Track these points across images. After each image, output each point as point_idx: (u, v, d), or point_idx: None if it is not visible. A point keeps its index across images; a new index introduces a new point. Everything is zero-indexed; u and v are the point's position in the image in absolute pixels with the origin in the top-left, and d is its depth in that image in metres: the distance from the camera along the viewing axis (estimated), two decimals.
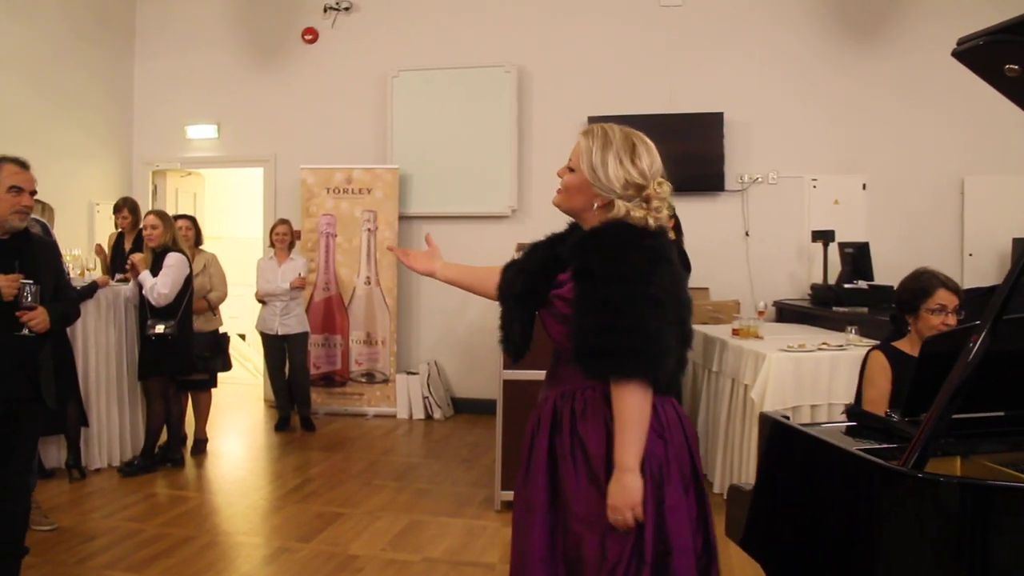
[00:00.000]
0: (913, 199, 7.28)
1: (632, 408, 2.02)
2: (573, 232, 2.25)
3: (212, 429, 6.79)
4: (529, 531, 2.19)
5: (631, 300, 1.99)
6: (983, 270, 7.22)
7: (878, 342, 3.55)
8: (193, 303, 5.91)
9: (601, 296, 2.01)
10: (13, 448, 3.45)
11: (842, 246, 6.86)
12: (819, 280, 7.02)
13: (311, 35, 8.36)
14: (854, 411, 2.56)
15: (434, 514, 4.95)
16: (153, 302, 5.55)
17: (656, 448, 2.09)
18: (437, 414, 7.63)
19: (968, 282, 6.89)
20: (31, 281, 3.41)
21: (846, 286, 6.52)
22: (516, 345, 2.29)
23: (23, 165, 3.48)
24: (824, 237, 6.98)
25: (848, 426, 2.50)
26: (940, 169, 7.26)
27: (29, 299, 3.39)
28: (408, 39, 8.10)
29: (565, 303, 2.12)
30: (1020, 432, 2.40)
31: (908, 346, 3.24)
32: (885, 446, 2.24)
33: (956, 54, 2.11)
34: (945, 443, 2.28)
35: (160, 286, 5.51)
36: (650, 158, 2.15)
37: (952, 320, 3.11)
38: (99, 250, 6.77)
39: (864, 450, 2.14)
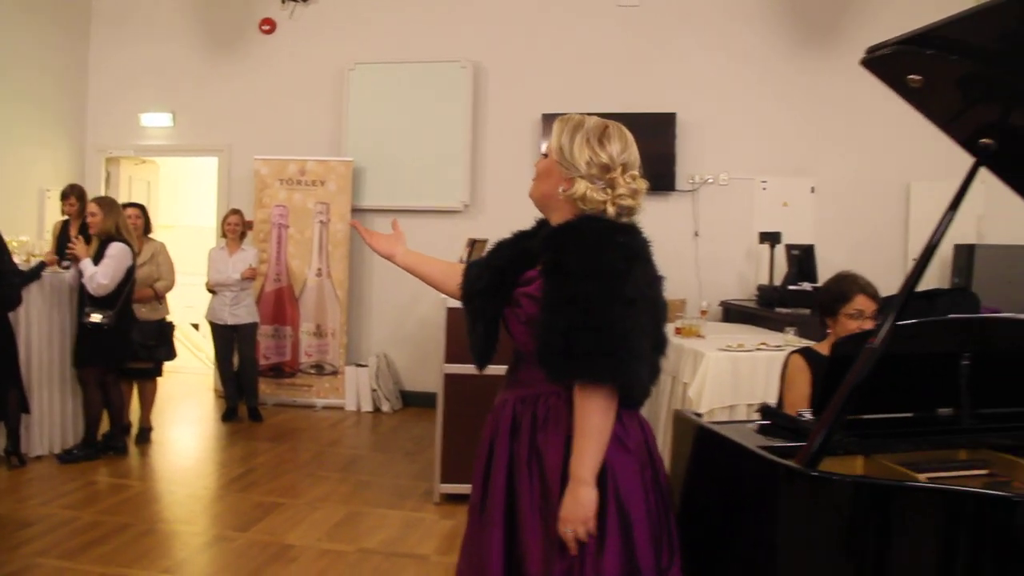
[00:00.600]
0: (860, 203, 7.41)
1: (594, 416, 1.92)
2: (542, 228, 2.17)
3: (159, 418, 6.78)
4: (489, 544, 2.09)
5: (603, 299, 1.89)
6: (926, 275, 7.25)
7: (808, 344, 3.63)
8: (135, 293, 5.86)
9: (571, 293, 1.91)
10: None
11: (789, 248, 6.97)
12: (766, 281, 7.13)
13: (269, 26, 8.34)
14: (767, 410, 2.61)
15: (373, 506, 4.99)
16: (92, 291, 5.51)
17: (619, 461, 2.00)
18: (385, 407, 7.65)
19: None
20: None
21: (790, 287, 6.63)
22: (480, 350, 2.18)
23: None
24: (771, 239, 7.09)
25: (762, 425, 2.55)
26: (887, 174, 7.40)
27: None
28: (365, 32, 8.11)
29: (532, 301, 2.02)
30: (927, 433, 2.47)
31: (826, 349, 3.31)
32: (791, 444, 2.30)
33: (864, 63, 2.19)
34: (849, 443, 2.36)
35: (100, 276, 5.47)
36: (622, 146, 2.07)
37: (868, 325, 3.18)
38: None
39: (769, 448, 2.18)
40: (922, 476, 2.18)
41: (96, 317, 5.50)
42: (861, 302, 3.23)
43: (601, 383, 1.90)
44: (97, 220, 5.62)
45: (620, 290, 1.90)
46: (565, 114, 2.16)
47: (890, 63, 2.12)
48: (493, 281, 2.14)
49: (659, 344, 2.10)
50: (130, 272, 5.70)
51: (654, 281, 2.06)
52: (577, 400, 1.94)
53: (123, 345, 5.75)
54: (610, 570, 1.95)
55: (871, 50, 2.14)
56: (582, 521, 1.92)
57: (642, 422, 2.13)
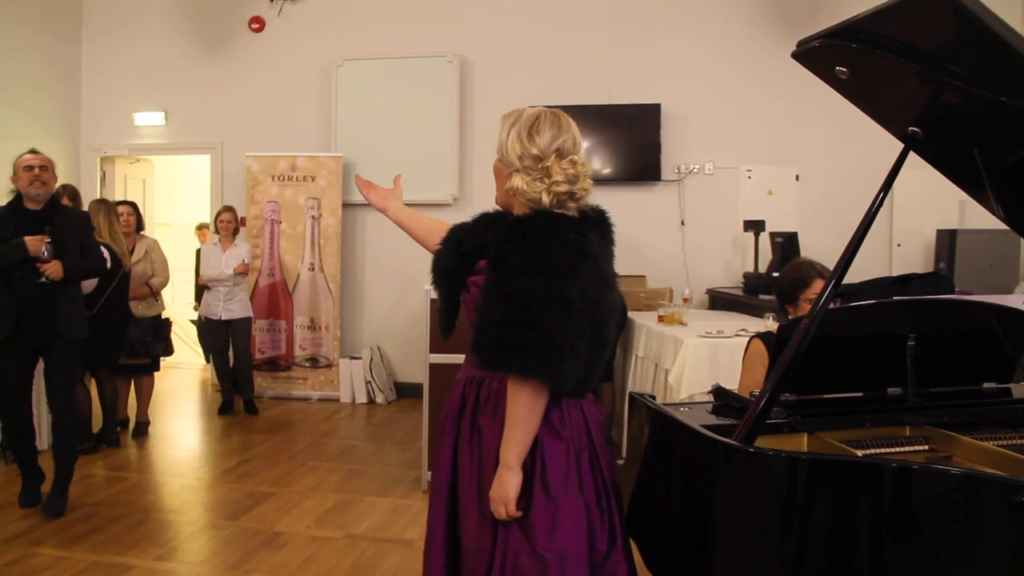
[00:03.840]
0: (844, 190, 7.48)
1: (522, 407, 1.99)
2: (503, 218, 2.20)
3: (157, 412, 6.91)
4: (435, 516, 2.23)
5: (539, 296, 1.91)
6: (910, 259, 7.48)
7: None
8: (131, 291, 5.98)
9: (509, 289, 1.94)
10: (51, 377, 4.65)
11: (773, 235, 7.06)
12: (751, 269, 7.22)
13: (258, 24, 8.43)
14: (719, 391, 2.71)
15: (362, 493, 5.11)
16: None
17: (550, 448, 2.08)
18: (380, 398, 7.78)
19: (896, 270, 7.15)
20: (48, 240, 4.46)
21: (774, 274, 6.71)
22: (442, 322, 2.29)
23: (33, 152, 4.62)
24: (755, 227, 7.18)
25: (715, 405, 2.64)
26: (870, 162, 7.39)
27: (45, 254, 4.45)
28: (353, 29, 8.21)
29: (479, 290, 2.09)
30: (875, 411, 2.57)
31: None
32: (737, 423, 2.39)
33: (795, 56, 2.28)
34: (795, 422, 2.47)
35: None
36: (554, 133, 2.08)
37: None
38: None
39: (714, 427, 2.27)
40: (860, 452, 2.27)
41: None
42: (820, 286, 3.30)
43: (527, 378, 1.96)
44: None
45: (558, 289, 1.92)
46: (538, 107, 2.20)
47: (818, 56, 2.21)
48: (454, 263, 2.21)
49: (600, 342, 2.05)
50: (110, 275, 5.58)
51: (602, 280, 2.04)
52: (508, 390, 2.01)
53: (102, 349, 5.70)
54: (532, 552, 2.03)
55: (800, 44, 2.24)
56: (503, 502, 2.01)
57: (587, 409, 2.18)
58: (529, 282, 1.93)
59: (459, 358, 2.36)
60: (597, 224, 2.14)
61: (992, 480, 1.86)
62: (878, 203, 2.32)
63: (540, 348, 1.91)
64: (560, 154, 2.08)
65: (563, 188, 2.05)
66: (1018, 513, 1.64)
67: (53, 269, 4.47)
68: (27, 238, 4.40)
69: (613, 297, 2.11)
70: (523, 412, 1.99)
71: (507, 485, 2.01)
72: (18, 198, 4.58)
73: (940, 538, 1.81)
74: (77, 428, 5.05)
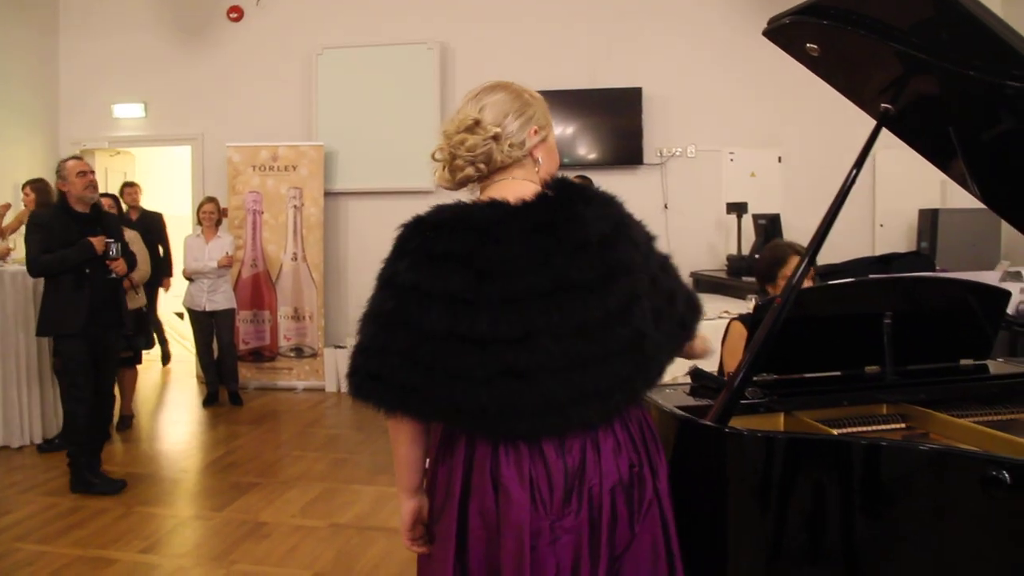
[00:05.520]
0: (826, 172, 7.43)
1: (390, 431, 1.81)
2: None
3: (141, 405, 6.89)
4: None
5: (364, 311, 1.73)
6: (893, 240, 7.50)
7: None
8: None
9: None
10: (107, 361, 5.09)
11: (756, 217, 7.06)
12: (735, 251, 7.23)
13: (236, 13, 8.37)
14: (696, 372, 2.70)
15: (348, 482, 5.10)
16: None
17: (435, 473, 1.81)
18: None
19: (879, 250, 7.17)
20: (113, 239, 4.93)
21: (757, 256, 6.72)
22: None
23: (78, 158, 5.18)
24: (738, 209, 7.19)
25: (692, 387, 2.64)
26: (852, 143, 7.34)
27: (113, 252, 4.90)
28: (332, 17, 8.16)
29: None
30: (853, 390, 2.57)
31: None
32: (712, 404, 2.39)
33: (766, 33, 2.28)
34: (771, 401, 2.46)
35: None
36: (458, 115, 1.82)
37: (807, 283, 3.27)
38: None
39: (688, 408, 2.27)
40: (836, 431, 2.28)
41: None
42: (796, 263, 3.29)
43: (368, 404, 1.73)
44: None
45: (374, 299, 1.71)
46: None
47: (789, 33, 2.21)
48: None
49: (460, 371, 1.63)
50: None
51: (457, 285, 1.63)
52: None
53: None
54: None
55: (771, 21, 2.23)
56: (403, 533, 1.88)
57: (519, 458, 1.70)
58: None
59: None
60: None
61: (962, 455, 1.87)
62: (851, 180, 2.33)
63: (352, 369, 1.72)
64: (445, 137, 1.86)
65: (435, 165, 1.87)
66: (988, 487, 1.65)
67: (121, 265, 4.98)
68: (93, 239, 4.82)
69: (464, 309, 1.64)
70: (390, 436, 1.81)
71: (401, 514, 1.86)
72: (63, 202, 4.94)
73: (912, 514, 1.82)
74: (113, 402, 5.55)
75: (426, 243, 1.66)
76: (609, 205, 1.76)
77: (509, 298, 1.62)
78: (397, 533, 4.19)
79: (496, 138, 1.76)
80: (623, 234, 1.75)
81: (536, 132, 1.82)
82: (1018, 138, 2.13)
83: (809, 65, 2.29)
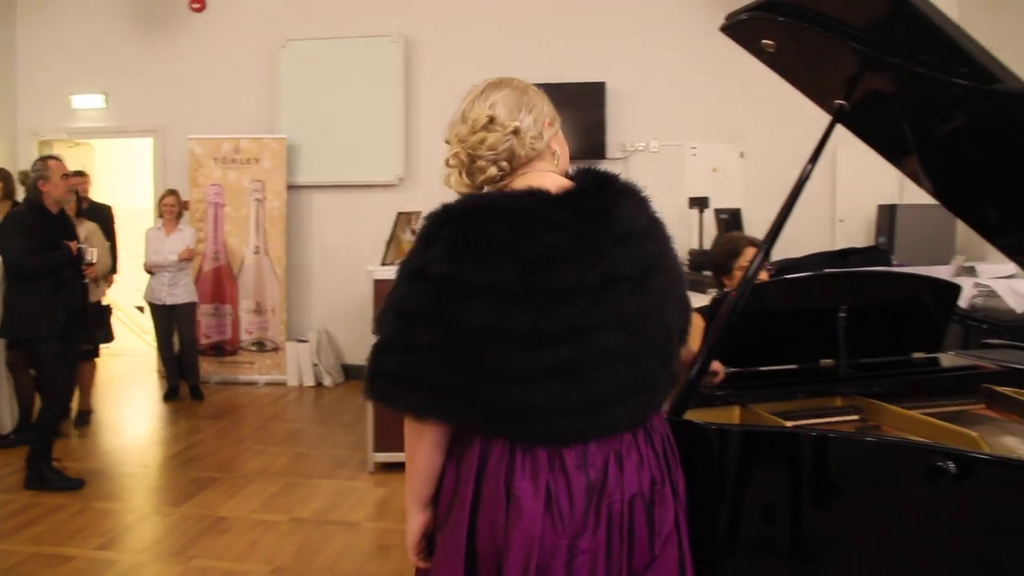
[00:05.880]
0: (788, 167, 7.45)
1: (406, 437, 1.66)
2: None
3: (102, 400, 6.81)
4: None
5: (385, 306, 1.60)
6: (853, 234, 7.58)
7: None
8: None
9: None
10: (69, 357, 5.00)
11: (718, 212, 7.12)
12: (697, 246, 7.28)
13: (199, 3, 8.27)
14: None
15: (308, 476, 5.08)
16: None
17: (449, 484, 1.66)
18: (327, 381, 7.73)
19: (839, 245, 7.25)
20: (85, 244, 4.96)
21: (708, 249, 6.79)
22: None
23: (57, 158, 5.03)
24: (700, 204, 7.24)
25: None
26: (814, 139, 7.44)
27: (88, 258, 4.95)
28: (296, 9, 8.08)
29: None
30: (809, 383, 2.61)
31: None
32: None
33: (723, 29, 2.30)
34: (727, 394, 2.49)
35: None
36: (467, 116, 1.75)
37: (764, 276, 3.30)
38: None
39: None
40: (790, 423, 2.30)
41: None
42: (751, 254, 3.31)
43: (386, 404, 1.60)
44: None
45: (398, 294, 1.59)
46: None
47: (746, 29, 2.23)
48: None
49: (497, 375, 1.53)
50: None
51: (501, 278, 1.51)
52: None
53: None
54: None
55: (729, 17, 2.25)
56: (409, 548, 1.75)
57: (520, 456, 1.58)
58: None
59: None
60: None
61: (908, 447, 1.91)
62: (806, 174, 2.36)
63: (371, 371, 1.60)
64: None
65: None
66: (933, 477, 1.68)
67: (93, 270, 5.11)
68: (71, 243, 4.85)
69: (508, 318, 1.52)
70: (407, 443, 1.66)
71: (407, 529, 1.73)
72: (37, 202, 4.83)
73: (862, 503, 1.85)
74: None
75: (462, 229, 1.53)
76: (641, 198, 1.70)
77: (559, 291, 1.52)
78: (357, 527, 4.22)
79: (516, 132, 1.67)
80: (657, 229, 1.71)
81: (550, 124, 1.75)
82: (967, 135, 2.16)
83: (766, 61, 2.32)
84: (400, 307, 1.55)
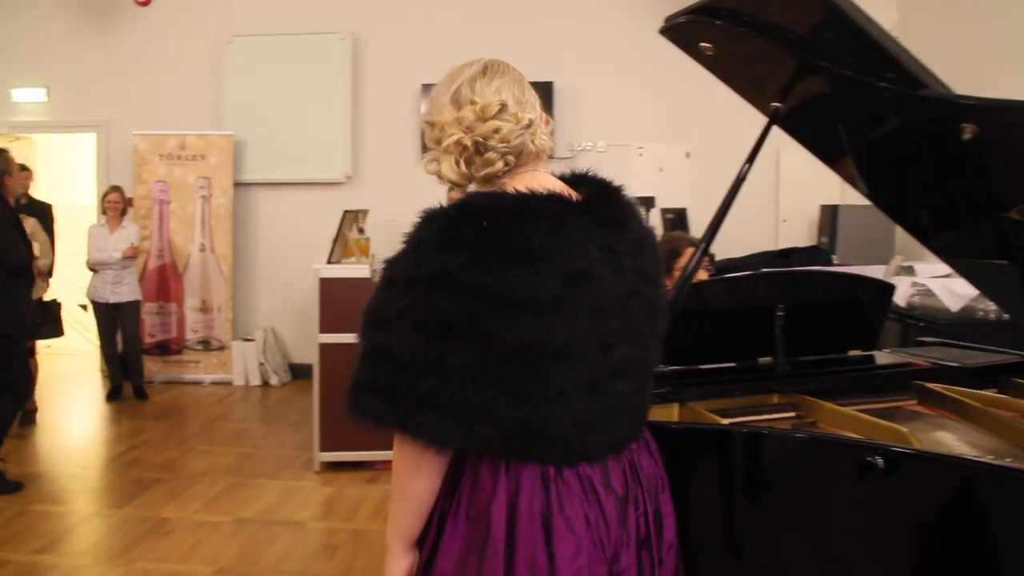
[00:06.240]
0: (733, 167, 7.53)
1: (396, 466, 1.47)
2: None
3: (43, 400, 6.67)
4: None
5: (386, 315, 1.40)
6: (796, 234, 7.71)
7: None
8: None
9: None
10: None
11: (664, 211, 7.19)
12: None
13: None
14: None
15: (253, 476, 5.04)
16: None
17: (449, 528, 1.47)
18: (274, 380, 7.67)
19: (782, 245, 7.36)
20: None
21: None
22: None
23: (7, 151, 5.06)
24: (646, 203, 7.28)
25: None
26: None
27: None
28: (243, 4, 8.00)
29: None
30: (746, 380, 2.65)
31: None
32: None
33: (662, 31, 2.34)
34: (666, 392, 2.52)
35: None
36: (472, 98, 1.59)
37: (703, 276, 3.36)
38: None
39: None
40: (727, 420, 2.34)
41: None
42: (691, 255, 3.36)
43: (376, 424, 1.41)
44: None
45: (411, 302, 1.38)
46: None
47: (684, 32, 2.27)
48: None
49: (534, 382, 1.39)
50: None
51: (511, 280, 1.35)
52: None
53: None
54: None
55: (668, 19, 2.29)
56: None
57: (538, 487, 1.44)
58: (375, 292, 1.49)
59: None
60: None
61: (838, 442, 1.95)
62: (743, 174, 2.40)
63: (360, 384, 1.43)
64: None
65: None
66: (863, 472, 1.72)
67: (39, 265, 5.15)
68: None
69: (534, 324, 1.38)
70: (398, 473, 1.47)
71: (387, 573, 1.53)
72: (3, 197, 4.79)
73: (793, 498, 1.89)
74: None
75: (493, 233, 1.36)
76: (637, 207, 1.64)
77: (596, 303, 1.43)
78: (302, 527, 4.20)
79: (529, 126, 1.54)
80: (653, 239, 1.66)
81: (547, 122, 1.63)
82: (898, 139, 2.22)
83: (705, 63, 2.36)
84: (418, 319, 1.35)
